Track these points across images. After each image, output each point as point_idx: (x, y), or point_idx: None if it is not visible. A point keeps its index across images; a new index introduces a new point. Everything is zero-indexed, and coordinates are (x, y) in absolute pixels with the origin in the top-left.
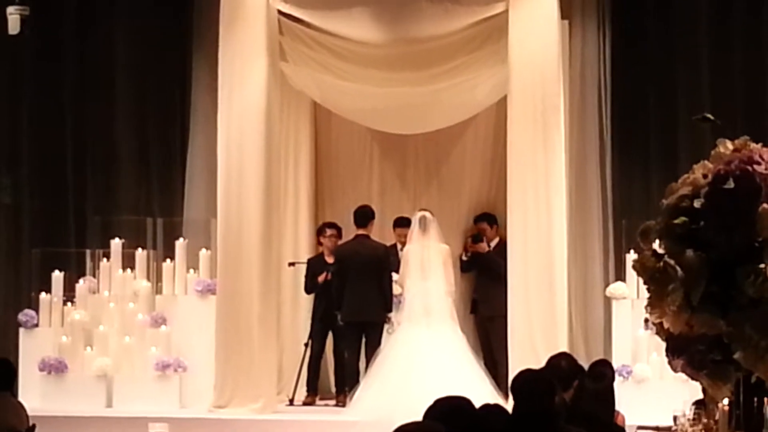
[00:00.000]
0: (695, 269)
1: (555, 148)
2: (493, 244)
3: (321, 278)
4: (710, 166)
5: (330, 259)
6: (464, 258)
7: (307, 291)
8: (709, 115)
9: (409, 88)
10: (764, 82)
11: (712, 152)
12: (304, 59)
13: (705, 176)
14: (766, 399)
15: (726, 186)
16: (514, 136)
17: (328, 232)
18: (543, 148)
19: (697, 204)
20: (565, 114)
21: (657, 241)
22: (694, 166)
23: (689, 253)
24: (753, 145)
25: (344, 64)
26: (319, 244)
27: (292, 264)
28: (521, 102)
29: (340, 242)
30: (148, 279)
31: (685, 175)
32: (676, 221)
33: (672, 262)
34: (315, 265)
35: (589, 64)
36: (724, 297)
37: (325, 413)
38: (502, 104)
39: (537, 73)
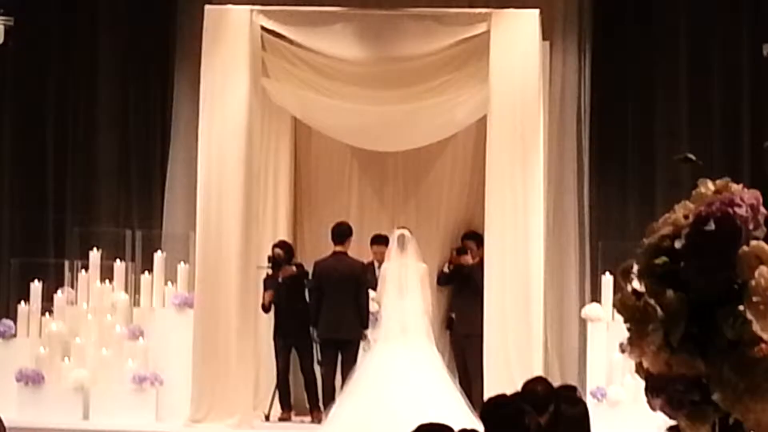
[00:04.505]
0: (675, 310)
1: (534, 168)
2: (475, 261)
3: (266, 299)
4: (691, 206)
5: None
6: (446, 270)
7: (265, 310)
8: (691, 156)
9: (389, 106)
10: (741, 109)
11: (693, 192)
12: (285, 75)
13: (686, 217)
14: None
15: (707, 228)
16: (493, 156)
17: (276, 251)
18: (522, 169)
19: (677, 245)
20: (545, 135)
21: (636, 280)
22: (675, 206)
23: (669, 293)
24: (734, 187)
25: (326, 81)
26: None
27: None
28: (501, 122)
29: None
30: (126, 291)
31: (666, 215)
32: (656, 261)
33: (652, 301)
34: (270, 284)
35: (569, 86)
36: (703, 338)
37: (300, 429)
38: (482, 123)
39: (517, 93)
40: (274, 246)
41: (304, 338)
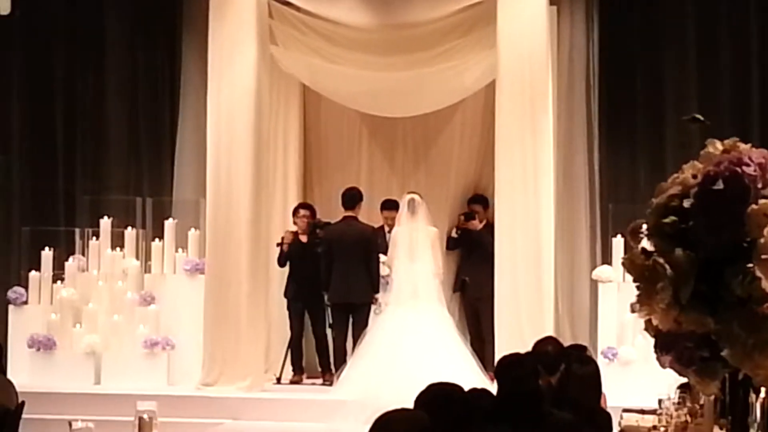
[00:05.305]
0: (684, 268)
1: (543, 132)
2: (482, 225)
3: (286, 238)
4: (700, 166)
5: (304, 238)
6: (454, 235)
7: (281, 264)
8: (699, 116)
9: (398, 72)
10: (750, 70)
11: (702, 152)
12: (293, 43)
13: (694, 176)
14: (752, 391)
15: (715, 187)
16: (503, 121)
17: (301, 212)
18: (531, 133)
19: (686, 204)
20: (553, 99)
21: (646, 239)
22: (684, 166)
23: (678, 252)
24: (742, 146)
25: (334, 48)
26: (294, 224)
27: (280, 244)
28: (509, 87)
29: (327, 222)
30: (137, 258)
31: (675, 175)
32: (665, 220)
33: (661, 260)
34: (290, 244)
35: (577, 50)
36: (712, 296)
37: (312, 392)
38: (490, 88)
39: (525, 58)
40: (300, 207)
41: (316, 302)
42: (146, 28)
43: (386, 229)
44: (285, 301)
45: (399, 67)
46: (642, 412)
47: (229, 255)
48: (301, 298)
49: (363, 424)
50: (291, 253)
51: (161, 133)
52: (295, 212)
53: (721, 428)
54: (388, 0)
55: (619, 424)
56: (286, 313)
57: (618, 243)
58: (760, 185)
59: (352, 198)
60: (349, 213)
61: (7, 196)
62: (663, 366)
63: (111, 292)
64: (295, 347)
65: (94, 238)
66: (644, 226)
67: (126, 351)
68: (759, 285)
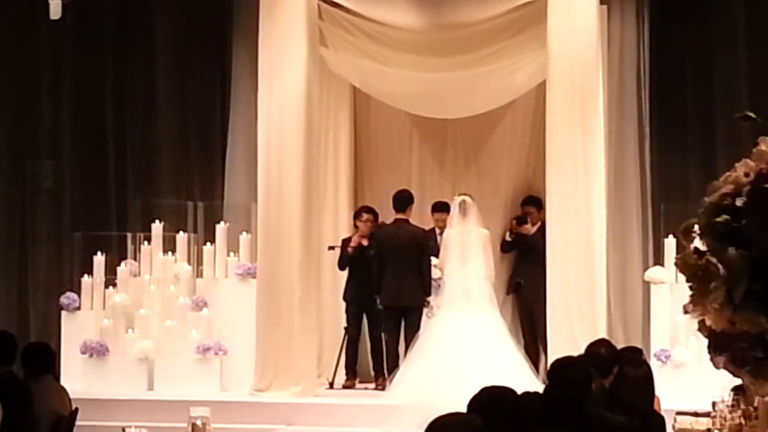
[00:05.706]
0: (737, 267)
1: (594, 132)
2: (535, 227)
3: (353, 243)
4: (752, 164)
5: (365, 242)
6: (508, 238)
7: (341, 267)
8: (751, 114)
9: (448, 73)
10: None
11: (754, 150)
12: (343, 44)
13: (747, 175)
14: None
15: None
16: (553, 121)
17: (365, 216)
18: (582, 133)
19: (739, 202)
20: (604, 99)
21: (698, 239)
22: (736, 164)
23: (731, 251)
24: None
25: (383, 49)
26: (355, 227)
27: (332, 248)
28: (560, 87)
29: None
30: (189, 262)
31: (727, 173)
32: (718, 219)
33: (714, 260)
34: (354, 247)
35: (628, 50)
36: (766, 295)
37: (365, 397)
38: (541, 89)
39: (576, 58)
40: (363, 211)
41: (374, 305)
42: (196, 32)
43: (437, 231)
44: (337, 305)
45: (449, 68)
46: (696, 414)
47: (280, 259)
48: (360, 302)
49: (416, 428)
50: (353, 257)
51: (212, 136)
52: (358, 216)
53: None
54: (438, 1)
55: (673, 426)
56: (338, 317)
57: (670, 243)
58: None
59: (403, 200)
60: (400, 215)
61: (58, 201)
62: (717, 367)
63: (163, 297)
64: (350, 351)
65: (146, 242)
66: (696, 226)
67: (178, 356)
68: None
